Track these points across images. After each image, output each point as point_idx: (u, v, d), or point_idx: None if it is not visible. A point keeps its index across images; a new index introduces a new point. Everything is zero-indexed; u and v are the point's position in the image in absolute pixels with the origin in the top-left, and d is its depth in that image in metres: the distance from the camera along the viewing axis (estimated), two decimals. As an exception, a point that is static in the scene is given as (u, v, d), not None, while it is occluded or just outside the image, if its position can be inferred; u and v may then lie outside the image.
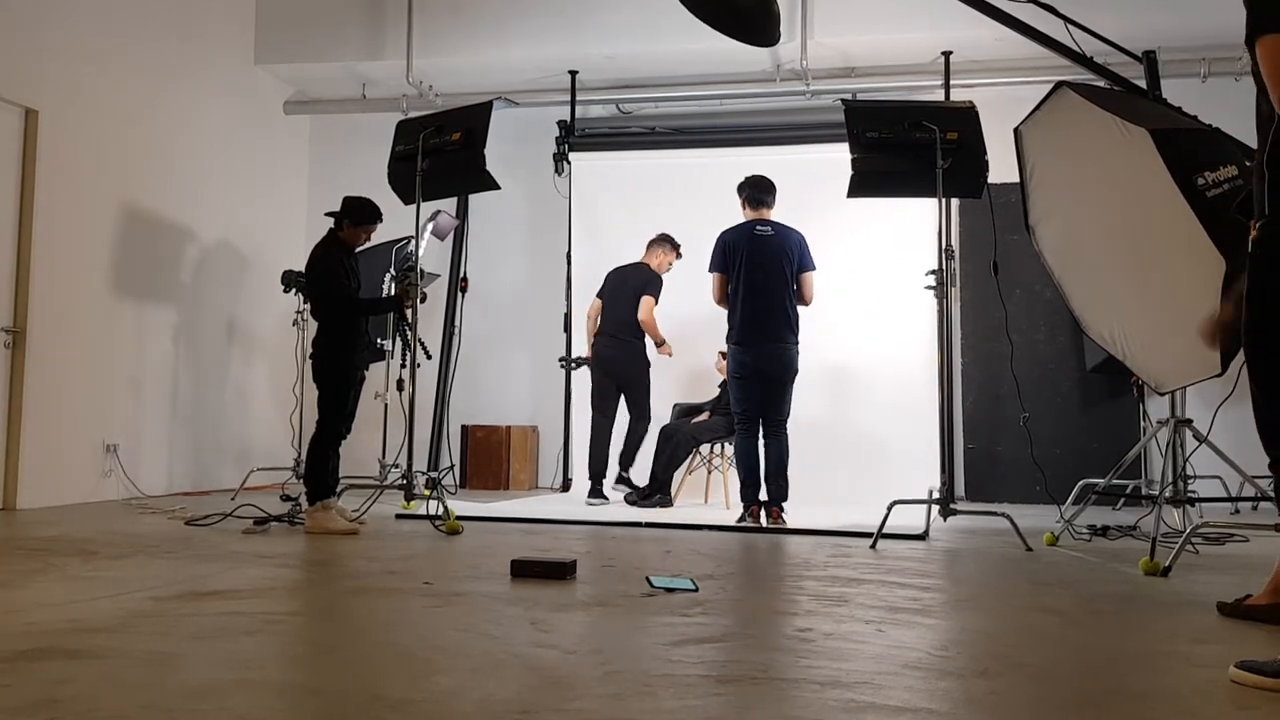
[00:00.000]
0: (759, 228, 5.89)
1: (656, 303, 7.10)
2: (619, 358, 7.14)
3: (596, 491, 6.97)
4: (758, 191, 5.97)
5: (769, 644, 2.69)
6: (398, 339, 6.95)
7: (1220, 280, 3.75)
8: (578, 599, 3.36)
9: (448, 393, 7.99)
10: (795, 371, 5.82)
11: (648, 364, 7.19)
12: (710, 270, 5.93)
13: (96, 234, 6.71)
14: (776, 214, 7.01)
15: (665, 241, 7.27)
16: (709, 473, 6.99)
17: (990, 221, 6.48)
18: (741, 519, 5.69)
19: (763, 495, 5.74)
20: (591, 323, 7.38)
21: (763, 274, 5.77)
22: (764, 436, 5.79)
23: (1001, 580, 3.92)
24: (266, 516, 5.36)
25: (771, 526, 5.54)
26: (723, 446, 6.82)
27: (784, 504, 5.70)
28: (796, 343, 5.81)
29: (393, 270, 7.03)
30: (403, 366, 5.75)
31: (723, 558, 4.47)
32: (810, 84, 7.79)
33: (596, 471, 7.04)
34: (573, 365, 7.76)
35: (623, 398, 7.21)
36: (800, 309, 5.86)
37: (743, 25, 5.72)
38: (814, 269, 5.86)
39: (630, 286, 7.15)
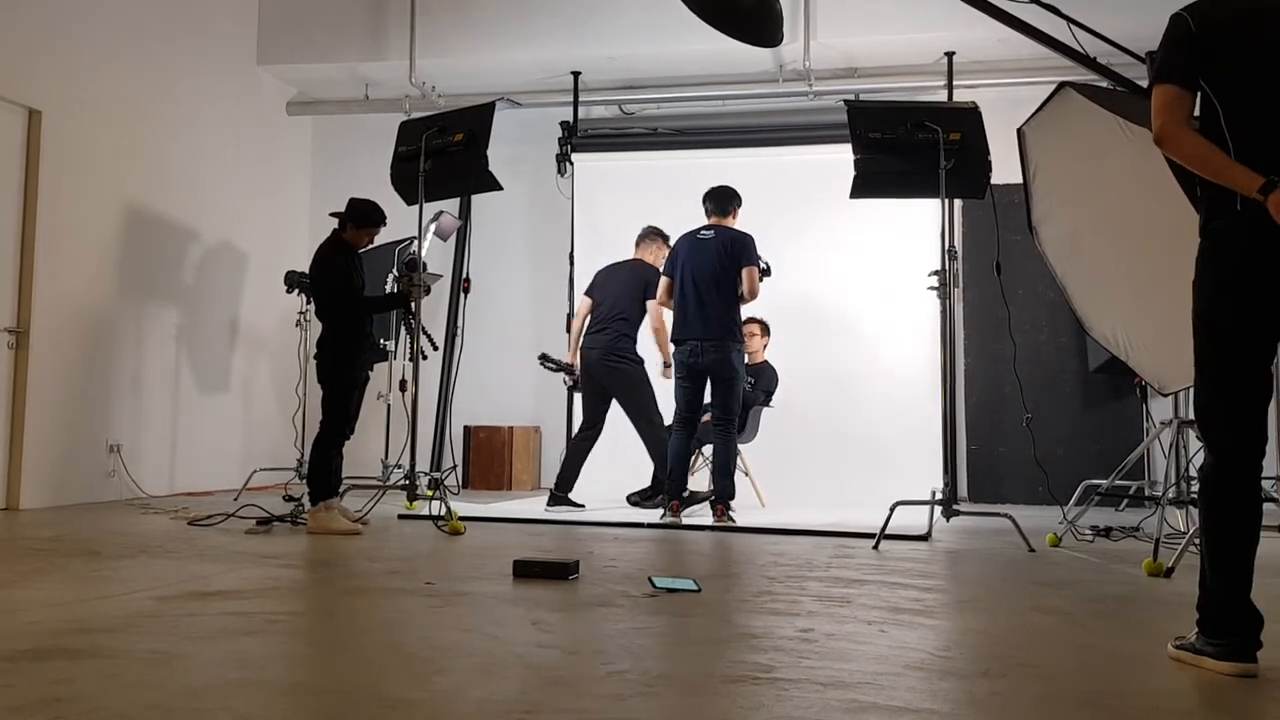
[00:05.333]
0: (702, 232, 6.06)
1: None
2: (606, 361, 6.49)
3: (556, 499, 6.47)
4: (711, 201, 6.15)
5: (771, 644, 2.69)
6: (402, 330, 6.94)
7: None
8: (580, 599, 3.36)
9: (450, 393, 7.99)
10: (734, 370, 5.89)
11: (640, 361, 6.55)
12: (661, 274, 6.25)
13: (99, 234, 6.72)
14: (782, 214, 6.97)
15: (657, 235, 6.85)
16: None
17: (993, 222, 6.49)
18: (663, 515, 5.82)
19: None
20: (581, 324, 6.78)
21: (696, 276, 5.93)
22: (713, 435, 5.98)
23: (1004, 581, 3.92)
24: (269, 517, 5.36)
25: (718, 525, 5.61)
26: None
27: (729, 501, 5.79)
28: (733, 341, 5.89)
29: (395, 271, 7.03)
30: (409, 360, 5.75)
31: (725, 558, 4.47)
32: (813, 84, 7.78)
33: (562, 480, 6.52)
34: (566, 382, 6.97)
35: (617, 409, 6.55)
36: (751, 306, 6.06)
37: (745, 26, 5.73)
38: (753, 264, 5.91)
39: (631, 285, 6.61)
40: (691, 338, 5.90)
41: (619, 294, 6.62)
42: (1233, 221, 2.49)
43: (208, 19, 7.79)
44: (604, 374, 6.51)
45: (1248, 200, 2.42)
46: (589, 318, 6.73)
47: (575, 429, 7.72)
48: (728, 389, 5.88)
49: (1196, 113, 2.59)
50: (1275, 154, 2.45)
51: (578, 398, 7.79)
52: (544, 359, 6.84)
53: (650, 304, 6.54)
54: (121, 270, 6.88)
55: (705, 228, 6.07)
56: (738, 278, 5.89)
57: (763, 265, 6.10)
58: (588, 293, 6.87)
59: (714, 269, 5.89)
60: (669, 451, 6.03)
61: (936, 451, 5.45)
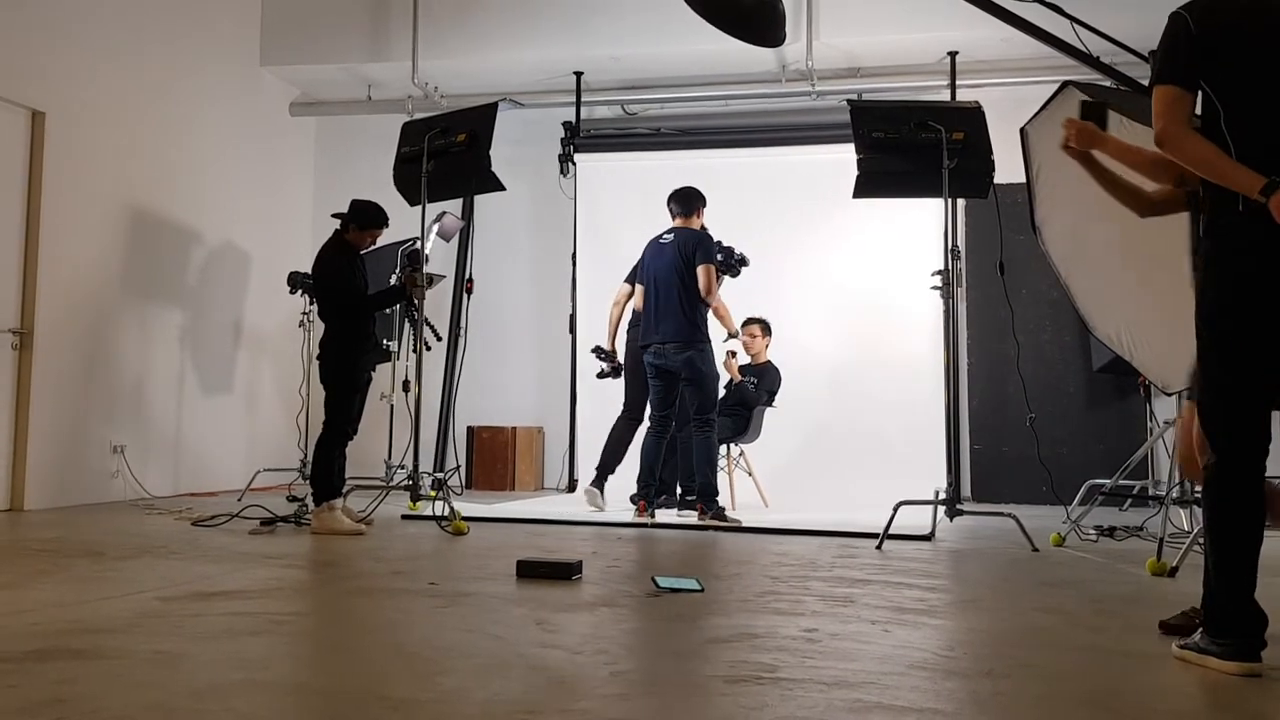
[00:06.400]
0: (663, 237, 6.09)
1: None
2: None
3: (599, 483, 6.38)
4: (675, 203, 6.15)
5: (775, 644, 2.69)
6: (406, 324, 6.93)
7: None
8: (583, 599, 3.36)
9: (453, 393, 7.99)
10: (699, 370, 5.86)
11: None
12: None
13: (103, 235, 6.72)
14: (785, 214, 6.94)
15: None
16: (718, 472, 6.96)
17: (996, 221, 6.49)
18: (635, 515, 5.84)
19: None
20: (620, 310, 6.67)
21: (658, 280, 5.98)
22: (692, 435, 5.96)
23: (1007, 581, 3.91)
24: (273, 517, 5.36)
25: (710, 524, 5.59)
26: (728, 448, 6.79)
27: (714, 499, 5.76)
28: (694, 342, 5.86)
29: (398, 271, 7.03)
30: (414, 351, 5.77)
31: (728, 558, 4.47)
32: (816, 84, 7.77)
33: (604, 465, 6.45)
34: (606, 370, 6.73)
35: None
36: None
37: (747, 26, 5.73)
38: (708, 262, 5.89)
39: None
40: (655, 341, 5.93)
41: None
42: (1235, 222, 2.49)
43: (209, 20, 7.80)
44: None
45: (1250, 201, 2.42)
46: (629, 304, 6.62)
47: (579, 426, 7.71)
48: (698, 389, 5.87)
49: (1198, 111, 2.58)
50: (1276, 154, 2.45)
51: (583, 396, 7.80)
52: (598, 351, 6.80)
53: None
54: (124, 271, 6.89)
55: (667, 231, 6.09)
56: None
57: (738, 256, 6.08)
58: (629, 280, 6.67)
59: (674, 271, 5.91)
60: (641, 453, 6.04)
61: (940, 451, 5.45)
